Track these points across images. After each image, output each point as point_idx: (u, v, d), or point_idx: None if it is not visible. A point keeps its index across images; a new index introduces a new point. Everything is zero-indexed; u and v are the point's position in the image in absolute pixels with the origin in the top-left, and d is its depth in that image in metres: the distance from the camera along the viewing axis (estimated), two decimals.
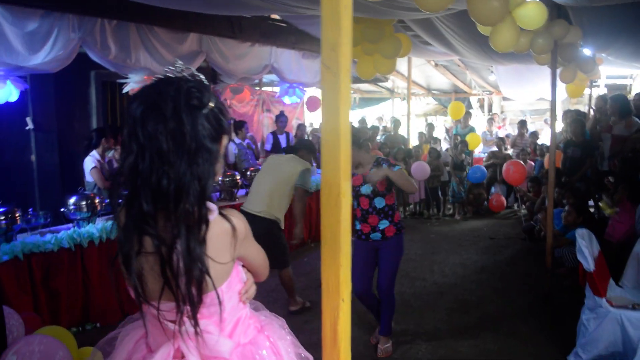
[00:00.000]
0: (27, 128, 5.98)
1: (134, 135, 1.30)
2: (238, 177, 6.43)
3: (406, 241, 7.35)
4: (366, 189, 4.02)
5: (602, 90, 13.14)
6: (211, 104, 1.35)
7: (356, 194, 4.08)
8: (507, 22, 4.09)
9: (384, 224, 4.10)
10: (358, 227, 4.18)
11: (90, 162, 5.72)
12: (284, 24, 7.50)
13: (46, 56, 5.00)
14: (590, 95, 9.88)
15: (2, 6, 4.67)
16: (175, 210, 1.30)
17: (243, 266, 1.58)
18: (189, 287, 1.32)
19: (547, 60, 5.29)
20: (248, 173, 6.81)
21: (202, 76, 1.43)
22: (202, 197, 1.33)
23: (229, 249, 1.42)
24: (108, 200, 5.54)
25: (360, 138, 4.16)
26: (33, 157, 6.07)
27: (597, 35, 5.83)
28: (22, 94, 5.80)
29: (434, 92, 15.06)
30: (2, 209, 4.37)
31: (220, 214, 1.41)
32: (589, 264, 3.58)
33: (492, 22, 3.87)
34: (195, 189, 1.31)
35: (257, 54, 7.58)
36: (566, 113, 8.53)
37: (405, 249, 6.96)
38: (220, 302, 1.40)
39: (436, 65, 12.22)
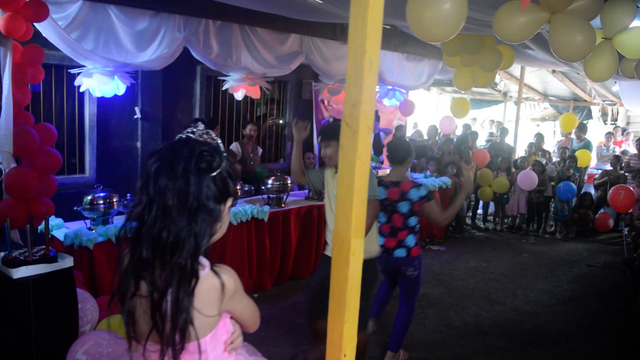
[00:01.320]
0: (134, 117, 6.44)
1: (145, 188, 1.43)
2: (289, 182, 5.89)
3: (494, 258, 7.16)
4: (404, 207, 3.82)
5: None
6: (220, 169, 1.44)
7: (389, 209, 3.85)
8: (605, 50, 3.74)
9: (411, 241, 3.90)
10: (381, 242, 3.87)
11: None
12: (388, 26, 7.40)
13: (152, 54, 5.35)
14: None
15: (116, 6, 5.06)
16: (170, 261, 1.40)
17: (232, 317, 1.64)
18: (173, 333, 1.40)
19: None
20: None
21: (219, 141, 1.52)
22: (195, 253, 1.42)
23: (217, 304, 1.49)
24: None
25: (405, 154, 3.84)
26: (138, 144, 6.53)
27: None
28: (133, 85, 6.27)
29: (550, 98, 14.20)
30: (102, 194, 4.72)
31: (212, 269, 1.48)
32: None
33: (577, 58, 3.56)
34: (191, 244, 1.40)
35: None
36: None
37: (493, 268, 6.79)
38: (200, 352, 1.48)
39: (553, 71, 11.49)
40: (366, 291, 3.14)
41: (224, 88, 6.54)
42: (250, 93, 6.54)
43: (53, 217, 4.64)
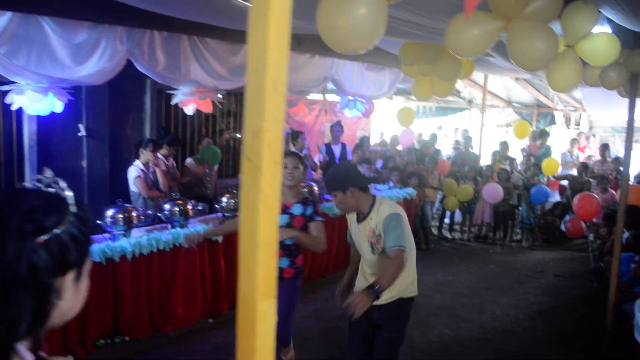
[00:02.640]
0: (79, 134, 6.06)
1: None
2: None
3: (461, 271, 6.97)
4: (282, 220, 3.65)
5: None
6: (55, 231, 1.07)
7: None
8: (568, 58, 3.56)
9: (283, 263, 3.76)
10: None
11: (134, 171, 5.71)
12: None
13: (92, 68, 5.01)
14: None
15: (51, 18, 4.70)
16: None
17: None
18: None
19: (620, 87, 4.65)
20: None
21: (68, 193, 1.12)
22: (3, 345, 1.02)
23: None
24: (150, 212, 5.61)
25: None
26: (84, 163, 6.16)
27: None
28: (76, 101, 5.89)
29: (515, 104, 14.21)
30: None
31: None
32: None
33: (539, 66, 3.34)
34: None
35: (317, 65, 7.35)
36: None
37: (459, 281, 6.58)
38: None
39: (517, 78, 11.47)
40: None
41: (172, 102, 6.20)
42: (202, 107, 6.23)
43: None
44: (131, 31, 5.21)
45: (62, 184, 1.09)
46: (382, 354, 3.21)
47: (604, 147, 9.70)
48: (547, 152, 10.11)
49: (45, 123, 5.76)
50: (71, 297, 1.11)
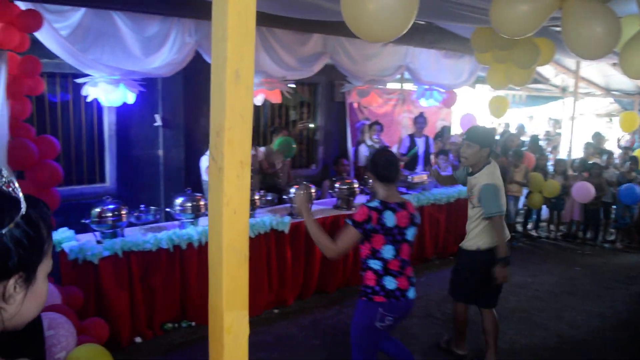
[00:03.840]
0: (155, 124, 6.26)
1: None
2: (356, 185, 6.09)
3: (542, 272, 6.53)
4: (411, 233, 3.12)
5: None
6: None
7: (399, 238, 3.08)
8: None
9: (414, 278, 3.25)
10: (392, 285, 3.07)
11: (205, 160, 5.80)
12: (421, 22, 6.91)
13: (163, 60, 5.12)
14: None
15: (123, 12, 4.85)
16: None
17: None
18: None
19: None
20: (370, 181, 6.41)
21: (19, 194, 1.04)
22: None
23: None
24: None
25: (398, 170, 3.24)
26: (160, 152, 6.36)
27: None
28: (153, 92, 6.08)
29: (614, 92, 13.13)
30: (110, 206, 4.53)
31: None
32: None
33: (597, 55, 2.93)
34: None
35: (390, 54, 7.11)
36: None
37: (538, 283, 6.18)
38: None
39: (614, 63, 10.56)
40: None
41: None
42: (270, 98, 6.22)
43: (66, 228, 4.51)
44: (199, 23, 5.27)
45: (15, 183, 1.02)
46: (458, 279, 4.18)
47: None
48: None
49: (123, 114, 6.00)
50: (22, 301, 1.04)
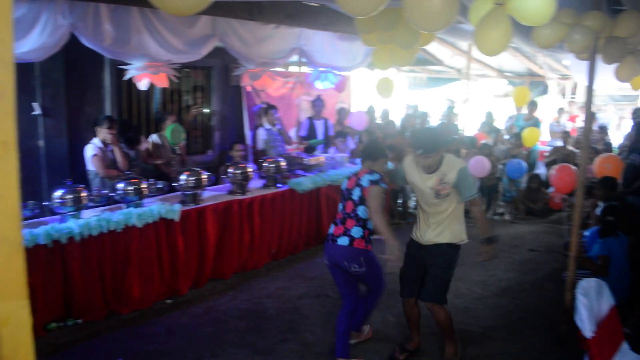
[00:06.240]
0: (33, 113, 5.88)
1: None
2: (250, 170, 6.03)
3: None
4: (356, 193, 3.83)
5: None
6: None
7: (346, 196, 3.93)
8: (497, 18, 3.28)
9: (357, 232, 3.82)
10: (330, 230, 3.95)
11: (91, 149, 5.54)
12: (314, 4, 6.91)
13: (33, 44, 4.80)
14: None
15: None
16: None
17: None
18: None
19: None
20: (265, 165, 6.36)
21: None
22: None
23: None
24: (105, 191, 5.46)
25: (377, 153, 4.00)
26: (41, 143, 5.98)
27: None
28: (29, 78, 5.70)
29: (506, 74, 13.86)
30: None
31: None
32: (586, 329, 2.86)
33: (436, 27, 3.06)
34: None
35: (283, 36, 7.06)
36: (637, 111, 7.36)
37: None
38: None
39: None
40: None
41: (125, 78, 5.97)
42: (156, 82, 6.01)
43: None
44: (73, 4, 4.97)
45: None
46: (433, 286, 3.89)
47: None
48: (535, 124, 9.82)
49: None
50: None
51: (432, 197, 3.78)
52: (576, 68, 9.80)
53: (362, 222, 3.84)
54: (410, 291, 4.05)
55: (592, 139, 8.89)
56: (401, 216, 8.31)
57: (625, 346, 3.15)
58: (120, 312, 4.86)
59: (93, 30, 5.14)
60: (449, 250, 3.88)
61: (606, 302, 3.11)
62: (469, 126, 10.28)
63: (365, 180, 3.81)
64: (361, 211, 3.83)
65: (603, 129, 8.98)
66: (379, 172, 3.87)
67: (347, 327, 3.95)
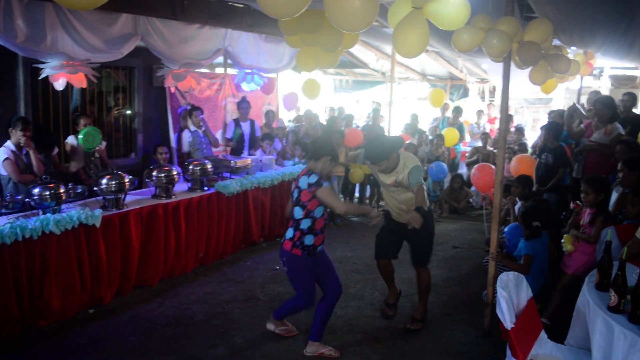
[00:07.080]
0: None
1: None
2: (175, 173, 5.87)
3: (361, 245, 6.91)
4: (294, 194, 3.98)
5: (606, 83, 12.28)
6: None
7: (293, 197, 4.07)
8: (414, 21, 3.38)
9: (288, 233, 4.03)
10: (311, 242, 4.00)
11: (3, 153, 5.22)
12: (240, 5, 6.84)
13: None
14: (580, 91, 9.13)
15: None
16: None
17: None
18: None
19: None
20: (190, 167, 6.21)
21: None
22: None
23: None
24: (20, 197, 5.15)
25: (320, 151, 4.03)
26: None
27: (568, 31, 5.11)
28: None
29: (429, 77, 14.32)
30: None
31: None
32: (507, 321, 2.97)
33: (357, 27, 3.15)
34: None
35: (207, 37, 6.95)
36: (550, 113, 7.81)
37: (357, 257, 6.51)
38: None
39: (426, 50, 11.46)
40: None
41: (40, 77, 5.65)
42: (74, 82, 5.73)
43: None
44: None
45: None
46: (421, 254, 4.69)
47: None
48: (460, 129, 10.17)
49: None
50: None
51: (393, 187, 4.42)
52: (494, 71, 10.26)
53: (296, 223, 3.94)
54: (383, 254, 4.73)
55: (509, 140, 9.34)
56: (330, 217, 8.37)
57: (543, 335, 3.31)
58: (40, 324, 4.59)
59: (4, 26, 4.84)
60: (424, 215, 4.10)
61: (524, 295, 3.25)
62: (394, 128, 10.49)
63: (302, 182, 3.89)
64: (297, 212, 3.94)
65: (519, 130, 9.45)
66: (322, 171, 3.95)
67: (326, 311, 4.15)
